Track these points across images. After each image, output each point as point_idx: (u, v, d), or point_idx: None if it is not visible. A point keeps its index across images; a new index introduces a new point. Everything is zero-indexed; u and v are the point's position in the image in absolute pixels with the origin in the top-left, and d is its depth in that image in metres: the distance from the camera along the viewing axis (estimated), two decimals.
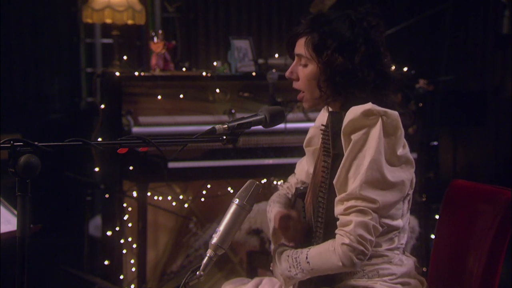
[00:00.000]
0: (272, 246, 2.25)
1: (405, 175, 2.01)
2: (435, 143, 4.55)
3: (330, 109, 2.15)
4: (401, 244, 2.11)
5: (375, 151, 1.94)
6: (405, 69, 4.24)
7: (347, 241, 1.94)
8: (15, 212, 2.56)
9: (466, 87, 5.99)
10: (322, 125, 2.14)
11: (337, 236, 1.97)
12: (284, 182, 2.47)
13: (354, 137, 1.97)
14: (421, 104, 4.30)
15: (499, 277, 2.17)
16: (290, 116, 4.06)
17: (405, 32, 4.81)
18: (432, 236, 4.11)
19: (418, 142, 4.27)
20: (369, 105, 1.98)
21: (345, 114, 2.01)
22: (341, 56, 2.04)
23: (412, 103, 4.16)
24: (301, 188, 2.25)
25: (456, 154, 5.63)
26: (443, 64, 5.62)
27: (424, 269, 3.35)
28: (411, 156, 2.04)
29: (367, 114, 1.97)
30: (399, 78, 2.15)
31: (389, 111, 1.99)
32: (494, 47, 5.84)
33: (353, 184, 1.96)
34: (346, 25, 2.06)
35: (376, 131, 1.96)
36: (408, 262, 2.14)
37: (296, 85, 2.15)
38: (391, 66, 2.12)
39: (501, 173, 5.70)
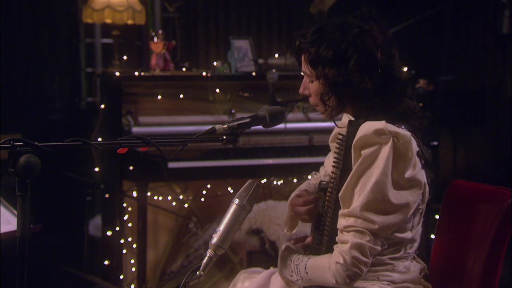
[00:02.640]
0: (285, 232, 2.27)
1: (412, 197, 2.00)
2: (435, 143, 4.54)
3: (349, 117, 2.14)
4: (408, 253, 2.12)
5: (381, 173, 1.94)
6: (405, 69, 4.23)
7: (341, 261, 1.96)
8: (15, 212, 2.56)
9: (466, 87, 5.99)
10: (339, 133, 2.14)
11: (334, 252, 2.00)
12: (315, 173, 2.48)
13: (364, 152, 1.97)
14: (421, 104, 4.29)
15: (499, 277, 2.17)
16: (290, 116, 4.05)
17: (405, 32, 4.81)
18: (432, 236, 4.10)
19: None
20: (382, 124, 1.96)
21: (361, 125, 2.00)
22: (333, 68, 2.03)
23: None
24: (324, 182, 2.25)
25: (456, 154, 5.63)
26: (443, 64, 5.61)
27: None
28: (421, 177, 2.02)
29: (379, 133, 1.96)
30: (406, 78, 2.14)
31: (401, 132, 1.97)
32: (494, 47, 5.83)
33: (356, 202, 1.96)
34: (337, 36, 2.04)
35: (385, 151, 1.95)
36: (415, 269, 2.15)
37: (310, 100, 2.16)
38: (394, 68, 2.11)
39: (501, 173, 5.69)
